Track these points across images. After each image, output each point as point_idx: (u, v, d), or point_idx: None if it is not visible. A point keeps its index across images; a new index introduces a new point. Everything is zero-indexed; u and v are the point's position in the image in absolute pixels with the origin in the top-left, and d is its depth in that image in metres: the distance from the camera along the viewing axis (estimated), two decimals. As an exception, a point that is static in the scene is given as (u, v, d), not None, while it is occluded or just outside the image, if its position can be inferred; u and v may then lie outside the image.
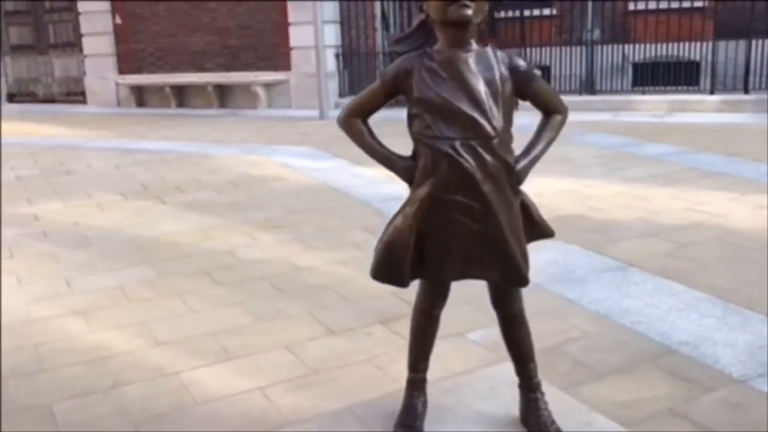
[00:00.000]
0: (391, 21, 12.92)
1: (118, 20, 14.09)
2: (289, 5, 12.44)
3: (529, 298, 3.80)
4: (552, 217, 5.24)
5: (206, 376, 2.96)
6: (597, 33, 13.12)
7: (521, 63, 1.88)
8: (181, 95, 13.65)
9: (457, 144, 1.79)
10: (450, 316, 3.45)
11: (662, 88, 11.34)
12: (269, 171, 7.25)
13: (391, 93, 1.93)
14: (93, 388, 2.88)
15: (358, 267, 4.03)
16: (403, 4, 12.76)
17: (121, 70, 14.35)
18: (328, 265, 4.27)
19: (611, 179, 6.28)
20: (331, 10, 12.26)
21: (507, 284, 1.99)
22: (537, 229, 2.06)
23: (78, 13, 14.40)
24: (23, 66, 15.57)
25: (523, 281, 1.95)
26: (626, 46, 11.78)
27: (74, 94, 15.00)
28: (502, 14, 13.16)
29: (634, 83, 12.13)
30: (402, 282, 1.98)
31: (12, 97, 15.71)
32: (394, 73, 1.92)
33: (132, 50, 14.19)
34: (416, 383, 2.16)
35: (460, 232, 1.87)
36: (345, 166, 7.23)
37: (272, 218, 5.31)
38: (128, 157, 8.33)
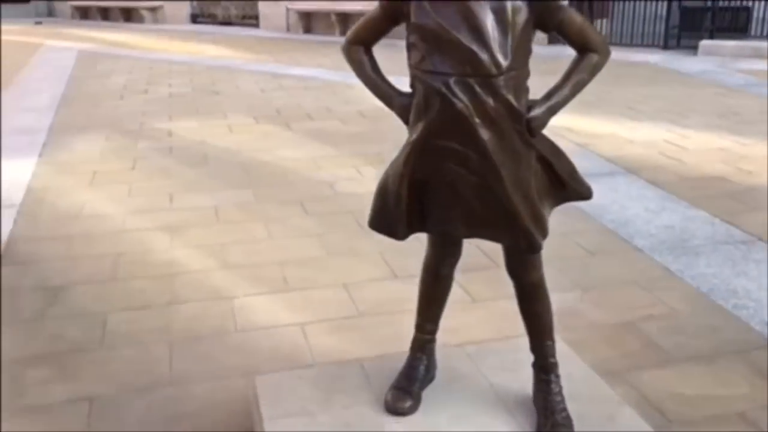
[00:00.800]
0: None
1: (293, -55, 14.29)
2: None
3: (625, 264, 3.44)
4: (691, 177, 4.72)
5: (257, 304, 2.94)
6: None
7: None
8: (346, 23, 13.69)
9: (452, 81, 1.52)
10: (525, 273, 3.21)
11: None
12: (403, 104, 7.09)
13: (393, 18, 1.69)
14: (150, 302, 2.96)
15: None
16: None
17: (293, -4, 14.66)
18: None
19: (775, 139, 5.48)
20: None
21: (515, 248, 1.71)
22: (568, 189, 1.75)
23: (256, -63, 14.80)
24: (206, -11, 16.37)
25: (534, 247, 1.67)
26: None
27: (249, 17, 15.58)
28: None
29: None
30: (396, 234, 1.78)
31: (195, 18, 16.61)
32: (394, -4, 1.67)
33: (304, -24, 14.40)
34: (421, 344, 1.97)
35: (459, 184, 1.62)
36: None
37: (384, 153, 5.17)
38: (275, 82, 8.50)
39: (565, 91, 1.62)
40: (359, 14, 13.30)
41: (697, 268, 3.24)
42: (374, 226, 1.83)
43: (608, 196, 4.23)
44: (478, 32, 1.52)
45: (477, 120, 1.55)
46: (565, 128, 5.77)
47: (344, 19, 13.68)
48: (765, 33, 10.65)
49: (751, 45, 10.08)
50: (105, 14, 18.07)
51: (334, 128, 6.12)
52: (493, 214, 1.65)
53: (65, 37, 13.79)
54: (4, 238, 3.63)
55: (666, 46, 10.86)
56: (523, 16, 1.54)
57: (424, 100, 1.60)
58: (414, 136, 1.64)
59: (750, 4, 11.13)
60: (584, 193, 1.79)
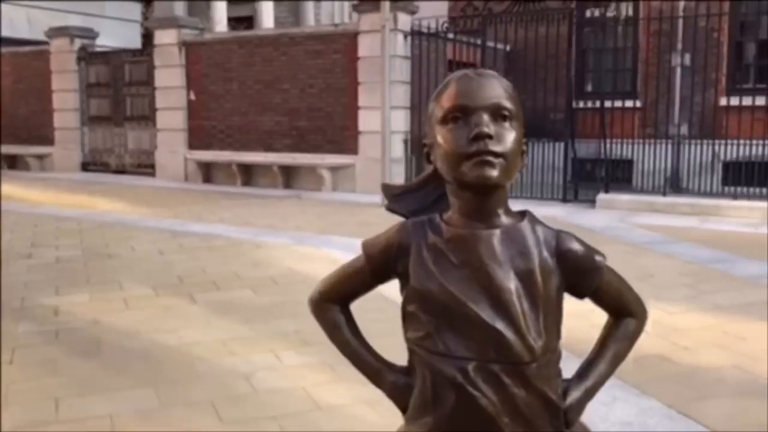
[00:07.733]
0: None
1: (192, 96, 14.20)
2: (360, 89, 12.21)
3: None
4: (630, 355, 4.48)
5: None
6: (685, 128, 12.34)
7: (576, 246, 1.25)
8: (248, 174, 13.48)
9: (471, 368, 1.15)
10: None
11: (757, 191, 10.40)
12: (316, 267, 6.70)
13: (382, 273, 1.33)
14: None
15: (390, 410, 3.36)
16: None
17: (191, 146, 14.37)
18: (354, 406, 3.61)
19: (699, 305, 5.43)
20: (401, 96, 11.93)
21: None
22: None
23: (154, 88, 14.63)
24: (99, 136, 15.85)
25: None
26: (717, 142, 10.94)
27: (144, 166, 15.09)
28: (581, 104, 12.57)
29: (725, 183, 11.23)
30: None
31: (85, 166, 15.96)
32: (384, 248, 1.32)
33: (203, 126, 14.23)
34: None
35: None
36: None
37: (304, 331, 4.70)
38: (175, 242, 7.97)
39: (602, 367, 1.29)
40: (261, 165, 13.14)
41: (674, 482, 2.90)
42: None
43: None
44: (502, 306, 1.17)
45: (506, 419, 1.17)
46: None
47: (246, 170, 13.47)
48: (646, 187, 11.17)
49: (646, 200, 10.50)
50: (-14, 160, 17.11)
51: (245, 299, 5.62)
52: None
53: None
54: None
55: (565, 199, 11.18)
56: (554, 282, 1.22)
57: (432, 389, 1.21)
58: (418, 437, 1.24)
59: (631, 157, 11.71)
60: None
